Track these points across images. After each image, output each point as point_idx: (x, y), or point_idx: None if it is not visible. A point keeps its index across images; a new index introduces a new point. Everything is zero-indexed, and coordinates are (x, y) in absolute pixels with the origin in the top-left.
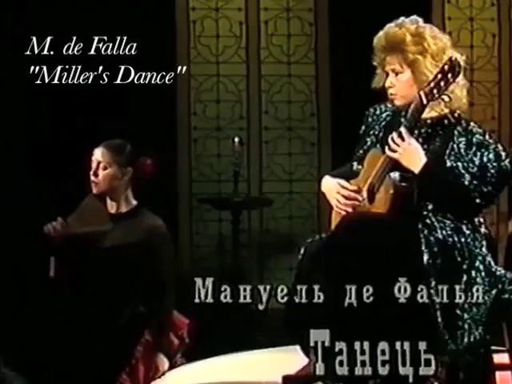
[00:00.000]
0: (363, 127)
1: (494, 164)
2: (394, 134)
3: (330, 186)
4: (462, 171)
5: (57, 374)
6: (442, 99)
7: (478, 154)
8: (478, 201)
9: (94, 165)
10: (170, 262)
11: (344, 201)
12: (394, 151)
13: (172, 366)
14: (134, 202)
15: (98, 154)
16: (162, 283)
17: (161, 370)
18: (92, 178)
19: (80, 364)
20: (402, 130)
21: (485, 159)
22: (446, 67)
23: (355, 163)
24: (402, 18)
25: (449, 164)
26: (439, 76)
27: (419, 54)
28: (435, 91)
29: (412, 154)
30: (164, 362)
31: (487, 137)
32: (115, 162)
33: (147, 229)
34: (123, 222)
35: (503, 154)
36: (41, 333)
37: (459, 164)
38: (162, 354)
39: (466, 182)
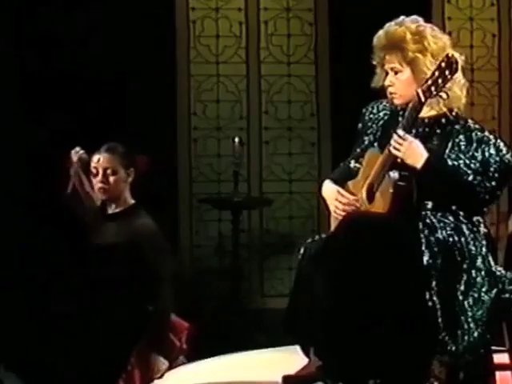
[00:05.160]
0: (360, 125)
1: (496, 159)
2: (394, 135)
3: (330, 192)
4: (464, 168)
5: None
6: (440, 96)
7: (479, 149)
8: (481, 196)
9: (100, 171)
10: (161, 262)
11: (342, 207)
12: (397, 151)
13: (172, 367)
14: (132, 201)
15: (103, 159)
16: (155, 284)
17: (158, 371)
18: (100, 184)
19: (77, 370)
20: (400, 129)
21: (486, 155)
22: (443, 64)
23: (353, 161)
24: (402, 17)
25: (450, 162)
26: (436, 73)
27: (419, 53)
28: (433, 88)
29: (414, 152)
30: (161, 363)
31: (486, 133)
32: (121, 165)
33: (135, 228)
34: (116, 221)
35: (504, 148)
36: (35, 336)
37: (461, 161)
38: (158, 354)
39: (470, 178)
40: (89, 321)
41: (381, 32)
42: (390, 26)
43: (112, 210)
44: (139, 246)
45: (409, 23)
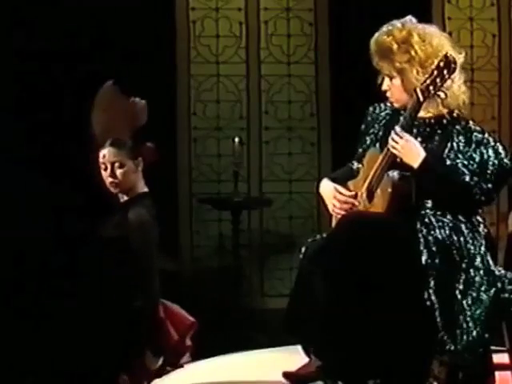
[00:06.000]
0: (363, 126)
1: (494, 161)
2: (392, 133)
3: (328, 190)
4: (462, 168)
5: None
6: (438, 96)
7: (478, 151)
8: (478, 197)
9: (108, 166)
10: (145, 254)
11: (340, 205)
12: (394, 149)
13: (178, 365)
14: (140, 191)
15: (109, 154)
16: (141, 277)
17: (150, 368)
18: (110, 179)
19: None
20: (399, 127)
21: (484, 156)
22: (442, 64)
23: (355, 162)
24: (392, 22)
25: (448, 162)
26: (435, 73)
27: (406, 63)
28: (431, 88)
29: (411, 151)
30: (151, 361)
31: (486, 135)
32: (128, 156)
33: (127, 219)
34: (121, 211)
35: (503, 151)
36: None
37: (459, 162)
38: (149, 351)
39: (467, 179)
40: (78, 317)
41: (373, 39)
42: (380, 33)
43: (122, 199)
44: (126, 237)
45: (397, 30)
